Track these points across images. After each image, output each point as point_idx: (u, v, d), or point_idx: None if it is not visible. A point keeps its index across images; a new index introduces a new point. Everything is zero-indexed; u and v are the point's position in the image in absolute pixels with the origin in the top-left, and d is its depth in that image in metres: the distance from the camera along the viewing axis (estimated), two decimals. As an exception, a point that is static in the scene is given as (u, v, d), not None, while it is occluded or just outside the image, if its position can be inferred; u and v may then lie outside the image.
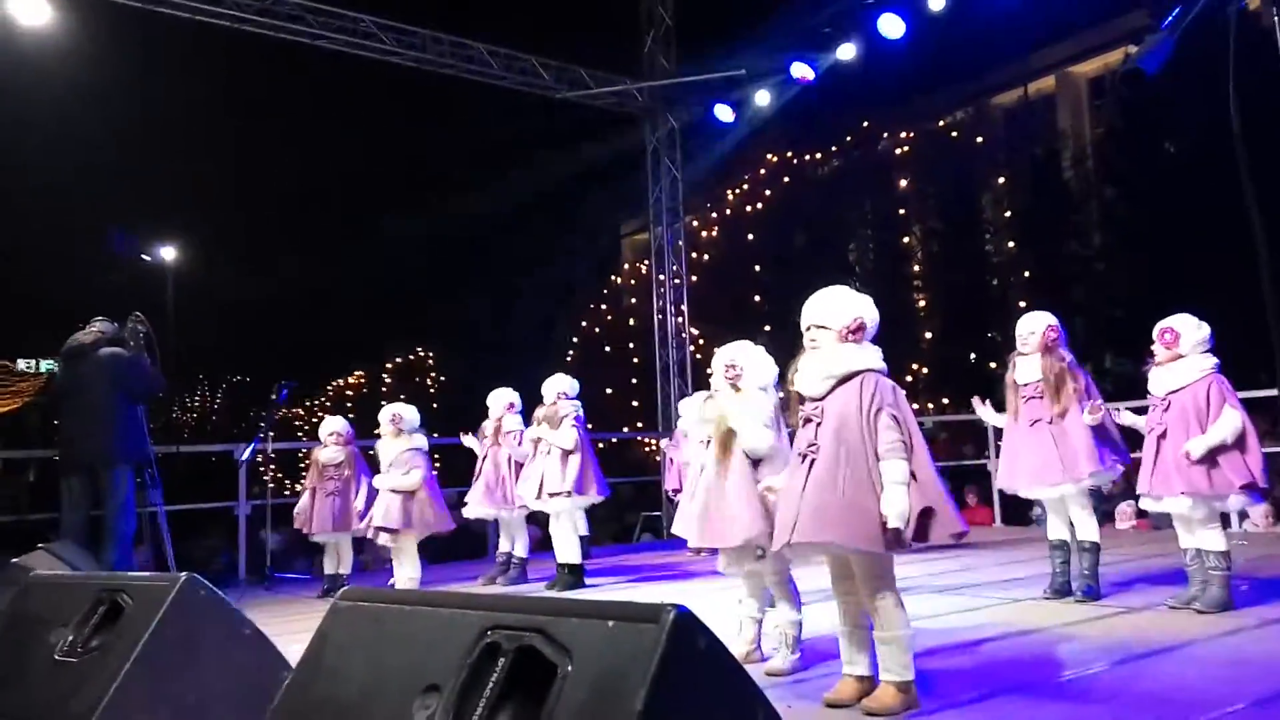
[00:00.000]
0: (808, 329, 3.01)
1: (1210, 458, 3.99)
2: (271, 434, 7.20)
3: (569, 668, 1.62)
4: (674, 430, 7.58)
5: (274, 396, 7.28)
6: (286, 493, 9.44)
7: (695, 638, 1.62)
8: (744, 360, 3.59)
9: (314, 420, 24.52)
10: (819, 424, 2.88)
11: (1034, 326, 4.61)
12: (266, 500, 7.00)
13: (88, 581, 3.00)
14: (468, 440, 6.59)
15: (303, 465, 16.52)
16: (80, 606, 2.72)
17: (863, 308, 3.01)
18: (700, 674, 1.62)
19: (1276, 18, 1.71)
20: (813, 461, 2.85)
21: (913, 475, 2.77)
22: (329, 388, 27.48)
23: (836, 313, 2.98)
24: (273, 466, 7.71)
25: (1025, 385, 4.55)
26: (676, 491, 7.39)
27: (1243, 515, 6.88)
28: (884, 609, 2.83)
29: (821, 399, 2.91)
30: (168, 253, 23.03)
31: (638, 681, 1.53)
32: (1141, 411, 4.45)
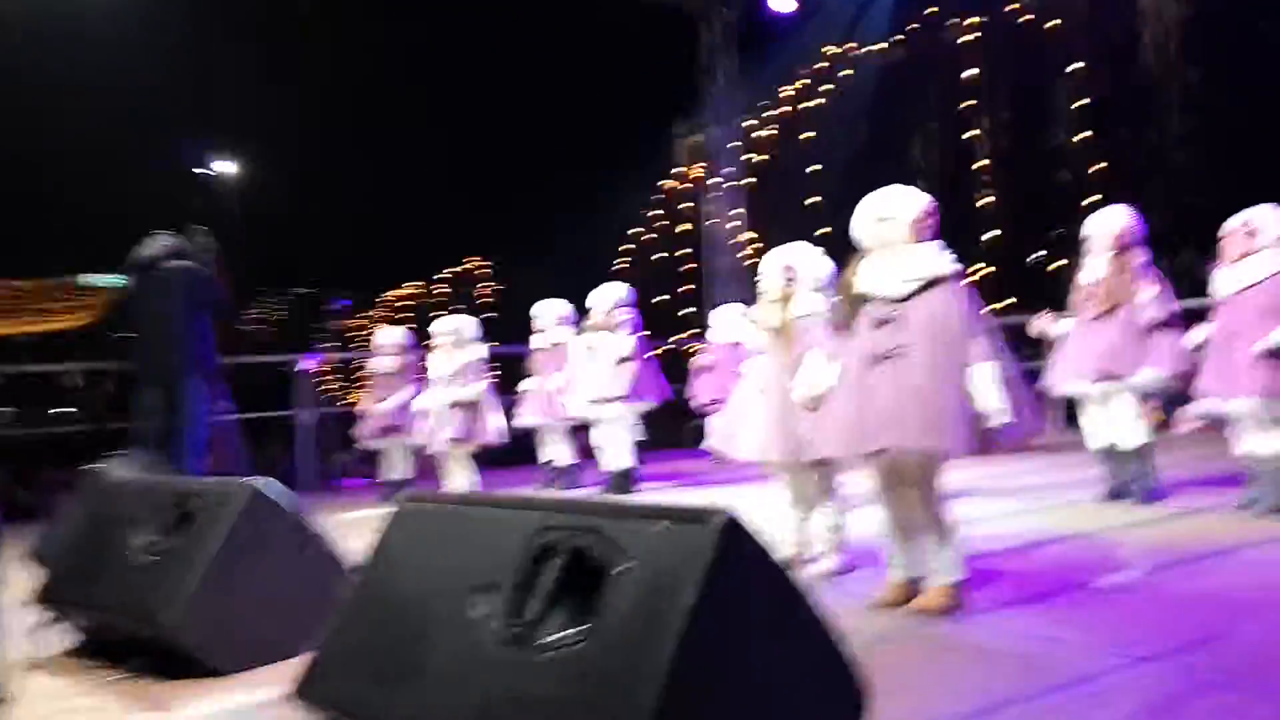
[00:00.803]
0: (871, 224, 2.90)
1: None
2: (328, 345, 7.35)
3: (622, 567, 1.65)
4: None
5: (330, 308, 7.40)
6: (341, 403, 9.67)
7: (744, 540, 1.64)
8: (799, 263, 3.52)
9: (366, 332, 25.01)
10: (896, 326, 2.78)
11: (1106, 227, 4.43)
12: (326, 409, 7.17)
13: (164, 486, 3.14)
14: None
15: (358, 376, 16.92)
16: (157, 509, 2.86)
17: (926, 200, 2.92)
18: (749, 574, 1.65)
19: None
20: (896, 364, 2.75)
21: (1005, 376, 2.76)
22: (379, 300, 27.89)
23: (905, 204, 2.88)
24: (334, 376, 7.89)
25: (1087, 284, 4.40)
26: (714, 402, 7.29)
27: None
28: (934, 511, 2.83)
29: (903, 300, 2.80)
30: (227, 167, 23.30)
31: (688, 581, 1.56)
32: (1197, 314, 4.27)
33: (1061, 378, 4.49)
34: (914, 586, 2.90)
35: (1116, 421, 4.42)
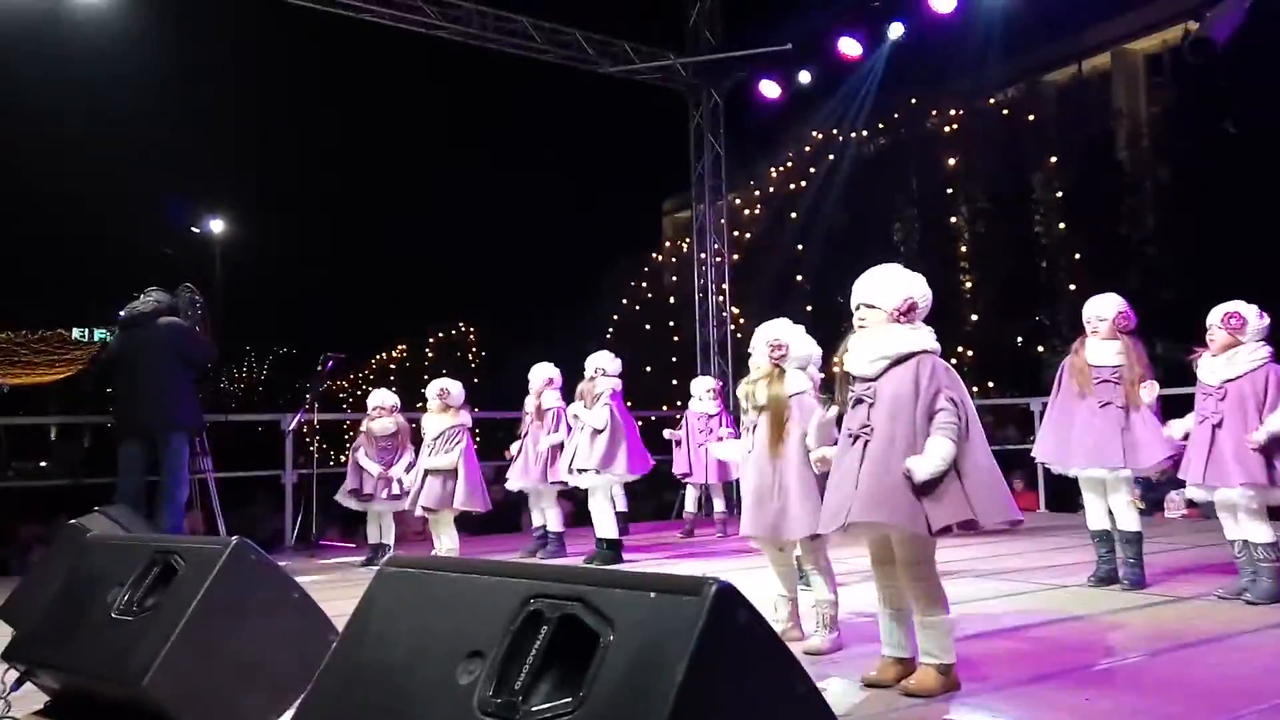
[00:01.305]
0: (857, 308, 2.96)
1: (1271, 448, 3.89)
2: (317, 405, 7.33)
3: (611, 637, 1.63)
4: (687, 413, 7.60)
5: (320, 368, 7.40)
6: (331, 463, 9.60)
7: (736, 611, 1.62)
8: (788, 338, 3.56)
9: (358, 392, 24.86)
10: (871, 405, 2.83)
11: (1106, 310, 4.52)
12: (313, 469, 7.13)
13: (143, 543, 3.08)
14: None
15: (347, 436, 16.78)
16: (136, 567, 2.80)
17: (914, 287, 2.94)
18: (741, 647, 1.62)
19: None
20: (866, 443, 2.80)
21: (972, 458, 2.75)
22: (373, 361, 27.83)
23: (887, 293, 2.92)
24: (318, 437, 7.84)
25: (1099, 367, 4.44)
26: (684, 475, 7.42)
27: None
28: (925, 592, 2.81)
29: (874, 380, 2.86)
30: (216, 226, 23.45)
31: (679, 653, 1.54)
32: (1184, 401, 4.34)
33: (1067, 456, 4.51)
34: (906, 666, 2.87)
35: (1115, 506, 4.47)
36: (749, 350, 3.68)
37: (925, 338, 2.89)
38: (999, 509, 2.77)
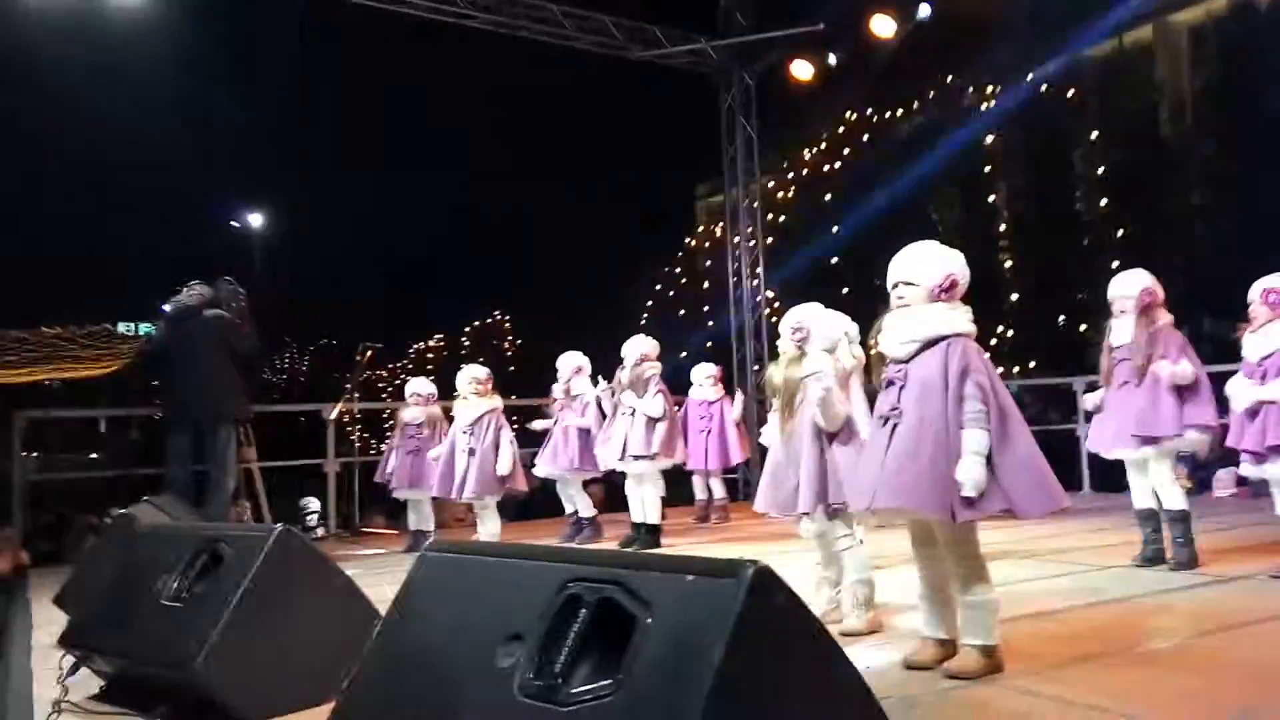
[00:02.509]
0: (895, 286, 2.90)
1: None
2: (357, 395, 7.42)
3: (649, 620, 1.64)
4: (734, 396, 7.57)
5: (359, 358, 7.48)
6: (372, 451, 9.73)
7: (774, 594, 1.62)
8: (810, 322, 3.55)
9: (397, 382, 25.12)
10: (902, 387, 2.80)
11: (1129, 289, 4.43)
12: (354, 458, 7.22)
13: (191, 532, 3.16)
14: (538, 424, 6.64)
15: (388, 425, 16.97)
16: (184, 555, 2.87)
17: (954, 264, 2.88)
18: (778, 630, 1.62)
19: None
20: (894, 426, 2.77)
21: (1008, 445, 2.70)
22: (410, 351, 28.09)
23: (927, 269, 2.86)
24: (359, 426, 7.96)
25: (1118, 347, 4.39)
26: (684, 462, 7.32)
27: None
28: (969, 574, 2.79)
29: (906, 361, 2.82)
30: (255, 219, 23.79)
31: (717, 636, 1.54)
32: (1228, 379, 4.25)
33: (1102, 442, 4.48)
34: (948, 648, 2.85)
35: (1158, 485, 4.38)
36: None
37: (961, 319, 2.84)
38: (1039, 500, 2.72)
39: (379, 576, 4.83)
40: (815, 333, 3.51)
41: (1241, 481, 7.43)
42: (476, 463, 5.80)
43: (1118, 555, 4.75)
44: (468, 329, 27.43)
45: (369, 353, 7.46)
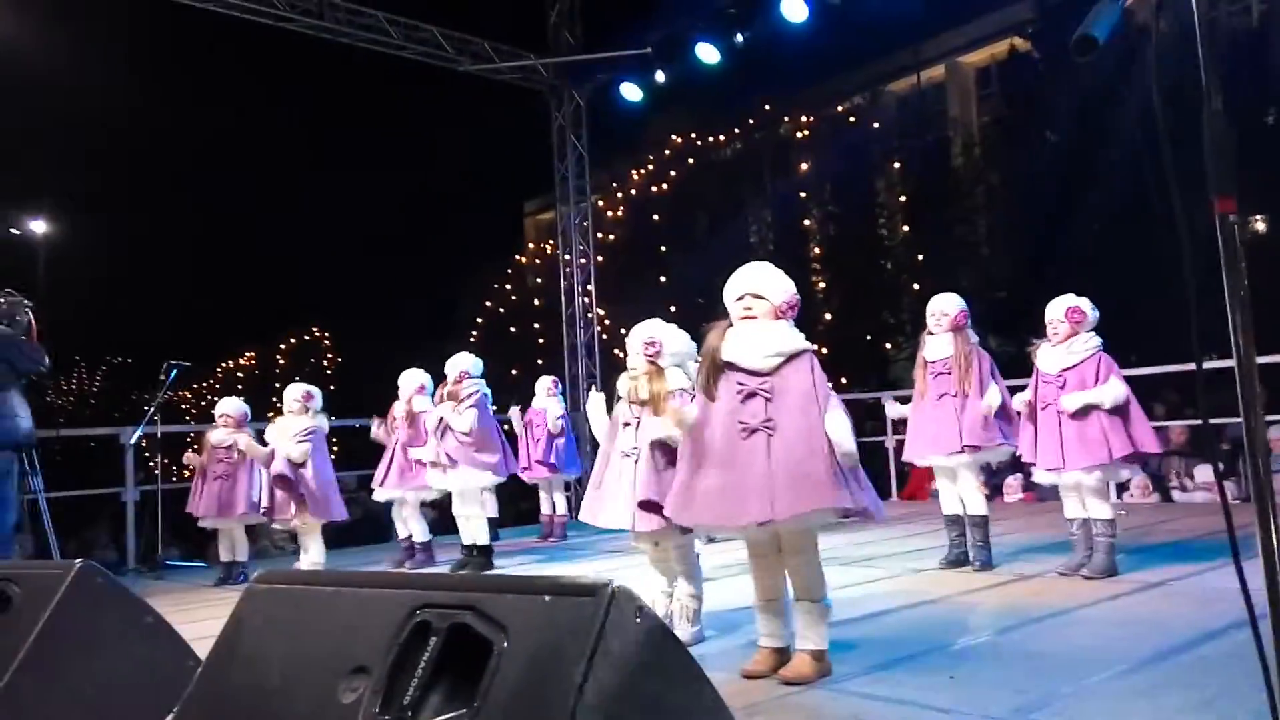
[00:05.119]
0: (741, 297, 3.00)
1: (1109, 428, 4.17)
2: (159, 417, 6.88)
3: (505, 644, 1.59)
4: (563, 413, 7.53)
5: (162, 377, 6.94)
6: (174, 479, 9.04)
7: (634, 611, 1.61)
8: (661, 336, 3.60)
9: (203, 403, 23.50)
10: (769, 399, 2.87)
11: (946, 307, 4.77)
12: (156, 485, 6.69)
13: (-32, 572, 2.80)
14: (377, 432, 6.38)
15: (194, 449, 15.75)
16: (-38, 598, 2.54)
17: (792, 286, 3.07)
18: (638, 648, 1.62)
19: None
20: (768, 437, 2.83)
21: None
22: (219, 369, 26.36)
23: (776, 286, 3.01)
24: (160, 452, 7.37)
25: (935, 362, 4.71)
26: (524, 470, 7.26)
27: (1122, 487, 7.31)
28: (811, 577, 2.92)
29: (767, 374, 2.91)
30: (38, 226, 21.60)
31: (577, 655, 1.51)
32: (1016, 391, 4.65)
33: (917, 449, 4.78)
34: (782, 655, 2.94)
35: (963, 491, 4.72)
36: (622, 351, 3.71)
37: (802, 337, 3.00)
38: (877, 505, 2.96)
39: (190, 612, 4.48)
40: (666, 348, 3.56)
41: (1027, 487, 8.15)
42: (286, 486, 5.50)
43: (926, 560, 5.08)
44: (283, 345, 26.04)
45: (173, 371, 6.91)
